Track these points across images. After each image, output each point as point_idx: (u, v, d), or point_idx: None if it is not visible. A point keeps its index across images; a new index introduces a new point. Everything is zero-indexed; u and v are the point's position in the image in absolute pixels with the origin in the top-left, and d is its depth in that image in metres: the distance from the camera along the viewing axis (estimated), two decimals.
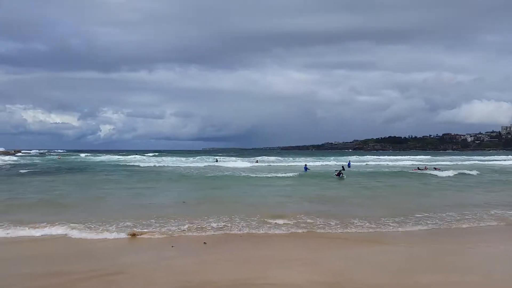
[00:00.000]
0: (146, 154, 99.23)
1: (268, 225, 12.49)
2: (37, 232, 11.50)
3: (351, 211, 15.36)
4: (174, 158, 74.00)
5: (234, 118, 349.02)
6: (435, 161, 62.97)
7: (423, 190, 23.91)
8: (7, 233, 11.36)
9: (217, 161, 61.88)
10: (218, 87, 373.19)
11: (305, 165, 41.45)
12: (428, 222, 13.35)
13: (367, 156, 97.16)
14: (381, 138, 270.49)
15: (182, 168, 44.62)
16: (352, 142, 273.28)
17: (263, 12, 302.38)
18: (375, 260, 9.06)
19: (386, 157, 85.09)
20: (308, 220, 13.24)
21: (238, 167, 46.33)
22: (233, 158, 73.15)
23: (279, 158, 77.83)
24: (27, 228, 11.80)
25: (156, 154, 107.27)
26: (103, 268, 8.24)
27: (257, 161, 60.14)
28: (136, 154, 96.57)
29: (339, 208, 16.33)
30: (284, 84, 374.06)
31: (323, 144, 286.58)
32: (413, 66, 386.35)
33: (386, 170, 42.42)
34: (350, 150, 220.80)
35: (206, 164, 53.32)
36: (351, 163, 48.94)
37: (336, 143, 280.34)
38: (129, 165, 50.97)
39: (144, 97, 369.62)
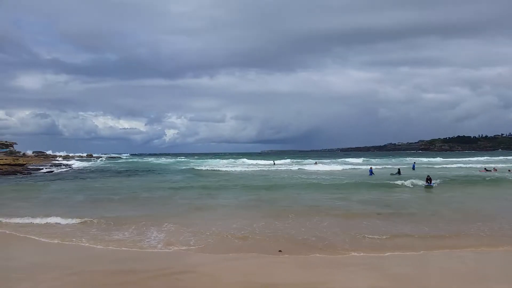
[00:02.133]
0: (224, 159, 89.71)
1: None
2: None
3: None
4: (260, 162, 70.10)
5: (292, 120, 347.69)
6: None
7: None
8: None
9: (274, 164, 62.76)
10: (277, 90, 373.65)
11: (370, 168, 39.77)
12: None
13: (438, 158, 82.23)
14: (449, 138, 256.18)
15: (293, 172, 41.74)
16: (417, 142, 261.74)
17: (323, 11, 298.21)
18: (444, 266, 8.70)
19: (454, 159, 78.74)
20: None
21: (320, 170, 45.82)
22: (310, 161, 70.54)
23: (339, 160, 76.25)
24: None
25: (235, 156, 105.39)
26: (171, 267, 8.64)
27: (316, 163, 59.68)
28: (218, 158, 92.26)
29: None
30: (345, 84, 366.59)
31: (385, 145, 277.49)
32: (484, 61, 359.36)
33: (461, 173, 37.65)
34: (415, 151, 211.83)
35: (298, 167, 51.89)
36: (416, 165, 47.15)
37: (400, 144, 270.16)
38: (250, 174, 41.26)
39: (206, 102, 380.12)
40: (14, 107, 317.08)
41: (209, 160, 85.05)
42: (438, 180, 27.13)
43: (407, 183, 25.98)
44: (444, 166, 53.22)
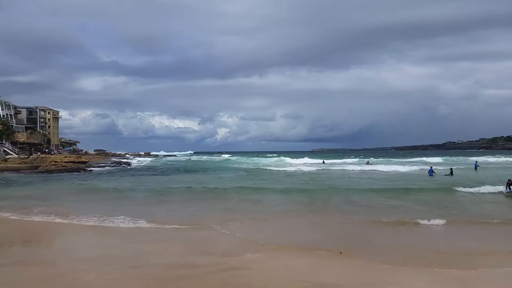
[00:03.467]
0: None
1: None
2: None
3: None
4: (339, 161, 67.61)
5: (345, 118, 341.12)
6: None
7: None
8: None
9: (323, 162, 61.90)
10: (329, 87, 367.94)
11: (431, 167, 37.88)
12: None
13: (504, 157, 72.89)
14: None
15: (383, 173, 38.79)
16: (478, 140, 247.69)
17: (379, 5, 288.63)
18: None
19: None
20: None
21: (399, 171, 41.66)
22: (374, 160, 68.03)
23: (394, 159, 73.68)
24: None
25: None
26: (226, 263, 8.79)
27: (368, 163, 58.08)
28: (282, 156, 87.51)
29: None
30: (401, 80, 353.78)
31: (444, 143, 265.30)
32: None
33: None
34: (476, 150, 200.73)
35: (352, 168, 47.82)
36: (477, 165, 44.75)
37: (459, 142, 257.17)
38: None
39: (256, 101, 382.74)
40: (77, 108, 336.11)
41: (263, 158, 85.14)
42: None
43: (481, 189, 21.89)
44: None
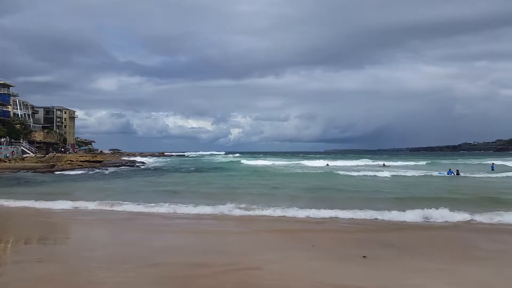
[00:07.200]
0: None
1: None
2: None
3: None
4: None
5: (359, 119, 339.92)
6: None
7: None
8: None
9: (327, 165, 59.52)
10: (344, 88, 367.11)
11: (449, 169, 37.86)
12: None
13: None
14: None
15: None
16: (495, 142, 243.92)
17: (395, 3, 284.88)
18: None
19: None
20: None
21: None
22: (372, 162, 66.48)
23: (407, 163, 72.79)
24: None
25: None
26: (240, 262, 8.77)
27: (384, 164, 57.53)
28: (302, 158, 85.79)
29: None
30: (416, 80, 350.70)
31: (459, 144, 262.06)
32: None
33: None
34: (492, 151, 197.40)
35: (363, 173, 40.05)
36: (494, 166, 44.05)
37: (476, 143, 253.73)
38: None
39: (271, 101, 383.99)
40: (93, 108, 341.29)
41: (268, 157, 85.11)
42: None
43: None
44: None
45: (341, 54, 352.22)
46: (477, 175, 36.00)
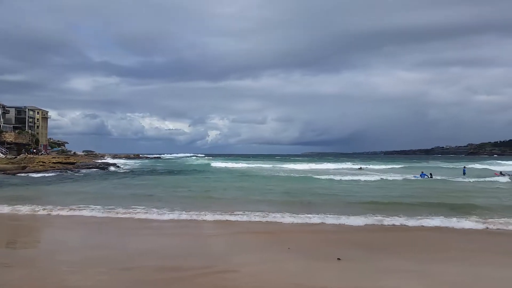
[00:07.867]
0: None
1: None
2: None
3: None
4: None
5: (335, 123, 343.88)
6: None
7: None
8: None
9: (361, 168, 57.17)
10: (321, 91, 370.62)
11: (422, 172, 39.90)
12: None
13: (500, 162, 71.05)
14: (500, 141, 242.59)
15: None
16: (467, 146, 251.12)
17: (373, 9, 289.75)
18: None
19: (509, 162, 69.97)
20: None
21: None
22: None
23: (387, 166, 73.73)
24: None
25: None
26: (215, 265, 8.66)
27: (360, 168, 58.06)
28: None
29: None
30: (391, 85, 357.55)
31: (432, 148, 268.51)
32: None
33: None
34: (463, 155, 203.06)
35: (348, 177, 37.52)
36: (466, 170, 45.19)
37: (448, 147, 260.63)
38: None
39: (248, 104, 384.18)
40: (66, 108, 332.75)
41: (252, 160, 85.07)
42: None
43: None
44: None
45: (319, 58, 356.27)
46: (450, 179, 36.81)
